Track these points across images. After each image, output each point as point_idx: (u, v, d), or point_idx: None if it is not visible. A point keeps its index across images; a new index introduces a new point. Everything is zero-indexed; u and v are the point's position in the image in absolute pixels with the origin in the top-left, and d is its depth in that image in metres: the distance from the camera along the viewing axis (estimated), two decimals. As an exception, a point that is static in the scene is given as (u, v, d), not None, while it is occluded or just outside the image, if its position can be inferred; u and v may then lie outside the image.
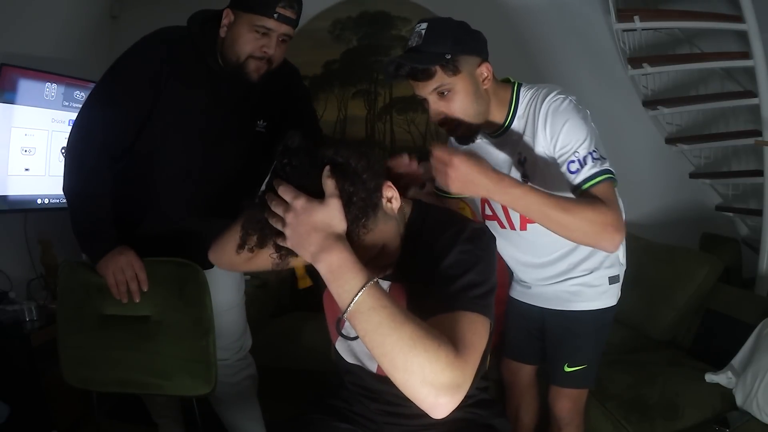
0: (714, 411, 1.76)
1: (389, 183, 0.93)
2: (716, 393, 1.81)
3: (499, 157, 1.34)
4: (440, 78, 1.17)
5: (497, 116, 1.28)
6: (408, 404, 0.85)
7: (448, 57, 1.15)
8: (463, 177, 1.06)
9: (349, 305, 0.77)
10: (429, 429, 1.06)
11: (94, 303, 1.42)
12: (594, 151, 1.15)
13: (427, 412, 0.74)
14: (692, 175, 2.93)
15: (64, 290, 1.47)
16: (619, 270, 1.46)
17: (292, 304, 2.88)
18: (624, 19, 2.56)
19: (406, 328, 0.74)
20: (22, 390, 1.76)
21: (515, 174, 1.30)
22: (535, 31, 2.93)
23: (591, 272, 1.41)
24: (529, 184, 1.16)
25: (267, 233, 0.85)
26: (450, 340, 0.77)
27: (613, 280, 1.44)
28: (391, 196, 0.93)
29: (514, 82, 1.31)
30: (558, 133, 1.18)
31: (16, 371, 1.78)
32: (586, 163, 1.15)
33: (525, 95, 1.27)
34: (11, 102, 2.11)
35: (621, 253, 1.45)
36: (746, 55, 2.35)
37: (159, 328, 1.41)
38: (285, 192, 0.82)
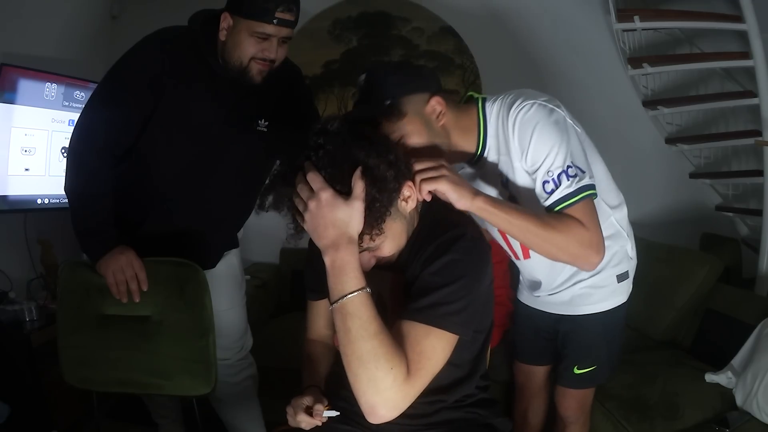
0: (714, 411, 1.76)
1: (410, 183, 0.96)
2: (716, 393, 1.81)
3: (484, 185, 1.27)
4: (386, 126, 1.09)
5: (467, 144, 1.20)
6: (410, 404, 0.86)
7: (388, 103, 1.09)
8: (456, 173, 1.02)
9: (335, 302, 0.86)
10: (430, 428, 1.06)
11: (94, 303, 1.42)
12: (569, 166, 1.07)
13: (365, 415, 0.85)
14: (692, 175, 2.93)
15: (64, 290, 1.47)
16: (628, 265, 1.40)
17: (292, 304, 2.88)
18: (624, 19, 2.56)
19: (368, 343, 0.83)
20: (22, 390, 1.76)
21: (504, 197, 1.24)
22: (534, 32, 2.93)
23: (598, 273, 1.36)
24: (506, 202, 1.12)
25: (289, 206, 0.91)
26: (407, 358, 0.86)
27: (621, 277, 1.39)
28: (408, 196, 0.97)
29: (477, 99, 1.21)
30: (527, 146, 1.10)
31: (16, 371, 1.78)
32: (560, 183, 1.08)
33: (491, 111, 1.18)
34: (11, 102, 2.11)
35: (629, 247, 1.39)
36: (746, 55, 2.35)
37: (159, 328, 1.41)
38: (313, 180, 0.87)
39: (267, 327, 2.58)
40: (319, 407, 0.99)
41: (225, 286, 1.66)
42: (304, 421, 0.98)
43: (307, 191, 0.87)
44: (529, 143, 1.09)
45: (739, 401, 1.73)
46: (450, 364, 0.93)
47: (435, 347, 0.88)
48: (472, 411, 1.09)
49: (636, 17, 2.51)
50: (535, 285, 1.47)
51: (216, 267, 1.63)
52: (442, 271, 0.92)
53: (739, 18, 2.28)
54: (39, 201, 2.28)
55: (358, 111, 1.13)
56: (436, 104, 1.13)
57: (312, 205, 0.86)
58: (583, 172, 1.08)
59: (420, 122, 1.11)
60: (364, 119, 1.08)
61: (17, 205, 2.21)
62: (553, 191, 1.08)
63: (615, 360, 1.51)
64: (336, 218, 0.86)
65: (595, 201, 1.12)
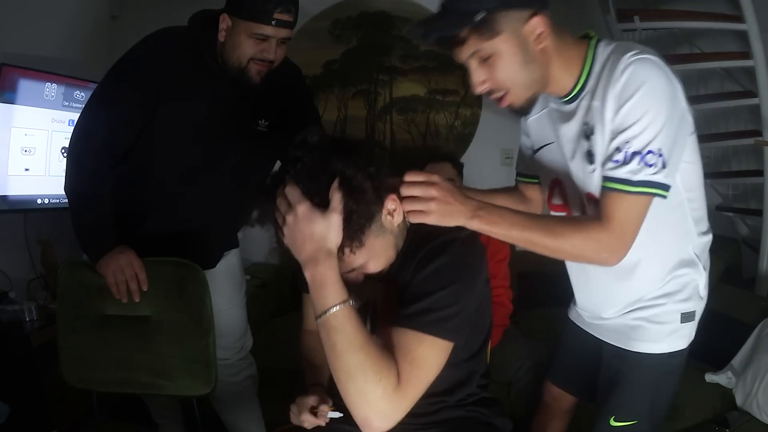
0: (714, 411, 1.76)
1: (394, 196, 0.94)
2: (716, 393, 1.81)
3: (568, 129, 1.09)
4: (474, 43, 0.95)
5: (566, 79, 1.03)
6: None
7: (480, 17, 0.92)
8: (448, 197, 0.92)
9: (319, 317, 0.84)
10: (431, 427, 1.06)
11: (94, 303, 1.42)
12: (651, 151, 0.91)
13: (359, 426, 0.84)
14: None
15: (64, 290, 1.47)
16: (697, 305, 1.18)
17: (292, 304, 2.88)
18: (624, 19, 2.57)
19: (355, 356, 0.82)
20: (22, 390, 1.76)
21: (582, 149, 1.05)
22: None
23: (660, 305, 1.15)
24: (508, 214, 0.97)
25: (272, 220, 0.90)
26: (398, 367, 0.84)
27: (686, 317, 1.16)
28: (393, 210, 0.94)
29: (593, 37, 1.05)
30: (627, 100, 0.93)
31: (16, 371, 1.78)
32: (630, 161, 0.92)
33: (603, 51, 1.01)
34: (11, 102, 2.10)
35: (702, 285, 1.19)
36: (746, 55, 2.35)
37: (159, 328, 1.41)
38: (290, 193, 0.85)
39: (267, 327, 2.58)
40: (323, 408, 0.99)
41: (225, 286, 1.66)
42: (308, 420, 0.98)
43: (285, 205, 0.86)
44: (630, 98, 0.93)
45: (739, 401, 1.73)
46: (448, 364, 0.92)
47: (427, 356, 0.87)
48: (474, 410, 1.09)
49: (636, 17, 2.51)
50: (586, 284, 1.25)
51: (216, 267, 1.63)
52: (433, 276, 0.91)
53: (739, 18, 2.28)
54: (39, 201, 2.28)
55: (444, 23, 0.95)
56: (537, 24, 0.96)
57: (289, 219, 0.85)
58: (664, 167, 0.92)
59: (515, 43, 0.96)
60: (441, 35, 0.96)
61: (17, 205, 2.21)
62: (618, 164, 0.93)
63: (657, 419, 1.24)
64: (313, 232, 0.84)
65: (678, 215, 1.04)
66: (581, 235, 0.95)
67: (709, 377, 1.85)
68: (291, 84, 1.60)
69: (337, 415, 0.99)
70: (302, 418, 0.99)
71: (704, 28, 2.58)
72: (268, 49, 1.37)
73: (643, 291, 1.15)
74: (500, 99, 1.03)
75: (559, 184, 1.16)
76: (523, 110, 1.05)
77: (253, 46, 1.36)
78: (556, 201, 1.17)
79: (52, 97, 2.26)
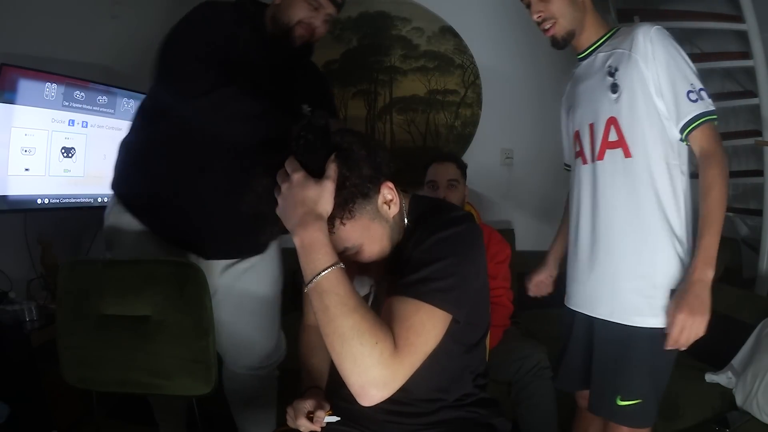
0: (714, 411, 1.76)
1: (390, 184, 0.94)
2: (716, 393, 1.81)
3: (589, 80, 1.36)
4: None
5: (591, 34, 1.36)
6: (410, 403, 0.86)
7: None
8: (702, 307, 1.29)
9: (309, 282, 0.83)
10: (430, 428, 1.06)
11: (94, 303, 1.42)
12: (702, 89, 1.24)
13: (355, 397, 0.81)
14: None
15: (64, 290, 1.47)
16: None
17: (292, 304, 2.88)
18: (624, 19, 2.57)
19: (349, 318, 0.80)
20: (22, 390, 1.76)
21: (606, 85, 1.30)
22: (535, 31, 2.92)
23: (649, 270, 1.25)
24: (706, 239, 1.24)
25: (268, 198, 0.90)
26: (395, 334, 0.83)
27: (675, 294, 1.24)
28: (390, 200, 0.95)
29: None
30: (662, 51, 1.22)
31: (16, 371, 1.78)
32: (702, 98, 1.24)
33: (622, 30, 1.34)
34: (11, 102, 2.10)
35: (682, 264, 1.29)
36: (746, 55, 2.35)
37: (159, 328, 1.41)
38: (289, 164, 0.88)
39: (267, 327, 2.57)
40: (320, 413, 0.98)
41: (266, 276, 1.69)
42: (303, 425, 0.98)
43: (283, 175, 0.88)
44: (665, 51, 1.22)
45: (739, 401, 1.73)
46: (446, 355, 0.92)
47: (424, 323, 0.86)
48: (473, 410, 1.09)
49: (636, 17, 2.51)
50: (584, 228, 1.36)
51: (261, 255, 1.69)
52: (431, 248, 0.92)
53: (739, 18, 2.29)
54: (39, 201, 2.28)
55: None
56: None
57: (284, 187, 0.87)
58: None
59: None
60: None
61: (17, 205, 2.21)
62: (697, 101, 1.24)
63: (658, 396, 1.30)
64: (305, 197, 0.85)
65: (683, 181, 1.37)
66: (718, 170, 1.28)
67: (709, 377, 1.85)
68: (321, 86, 1.69)
69: (334, 419, 0.99)
70: (298, 422, 0.98)
71: (704, 28, 2.58)
72: (316, 17, 1.48)
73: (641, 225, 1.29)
74: (548, 29, 1.35)
75: (577, 135, 1.39)
76: (563, 42, 1.36)
77: (305, 10, 1.47)
78: (576, 149, 1.41)
79: (52, 97, 2.26)
